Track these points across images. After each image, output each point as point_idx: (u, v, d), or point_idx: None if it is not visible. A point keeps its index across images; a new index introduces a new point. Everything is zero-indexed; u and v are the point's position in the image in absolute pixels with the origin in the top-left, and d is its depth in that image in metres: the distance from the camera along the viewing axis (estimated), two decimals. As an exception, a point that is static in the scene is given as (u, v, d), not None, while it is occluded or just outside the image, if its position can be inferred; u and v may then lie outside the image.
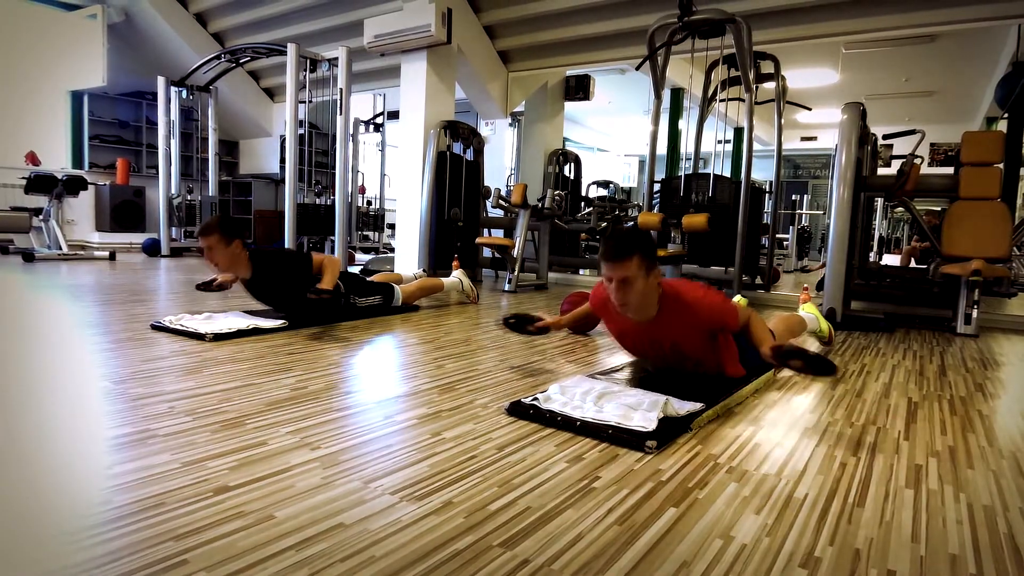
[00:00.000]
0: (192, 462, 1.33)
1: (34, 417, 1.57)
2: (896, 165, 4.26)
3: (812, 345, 3.10)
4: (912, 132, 4.37)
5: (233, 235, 2.91)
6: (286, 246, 5.91)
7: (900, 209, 9.50)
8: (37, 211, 6.13)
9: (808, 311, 2.97)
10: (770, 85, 5.39)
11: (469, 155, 5.91)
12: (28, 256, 5.74)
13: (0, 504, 1.11)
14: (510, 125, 8.16)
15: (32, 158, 7.24)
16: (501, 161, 7.95)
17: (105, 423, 1.55)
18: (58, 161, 7.76)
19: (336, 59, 5.79)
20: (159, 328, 2.76)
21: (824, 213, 11.24)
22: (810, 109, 6.72)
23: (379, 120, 9.39)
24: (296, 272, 3.01)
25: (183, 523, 1.07)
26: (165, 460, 1.33)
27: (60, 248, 6.01)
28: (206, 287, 3.27)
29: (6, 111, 7.42)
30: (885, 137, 4.84)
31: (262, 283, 3.04)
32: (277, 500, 1.17)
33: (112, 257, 6.29)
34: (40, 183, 6.04)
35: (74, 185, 6.28)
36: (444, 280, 4.02)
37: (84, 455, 1.35)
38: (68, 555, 0.96)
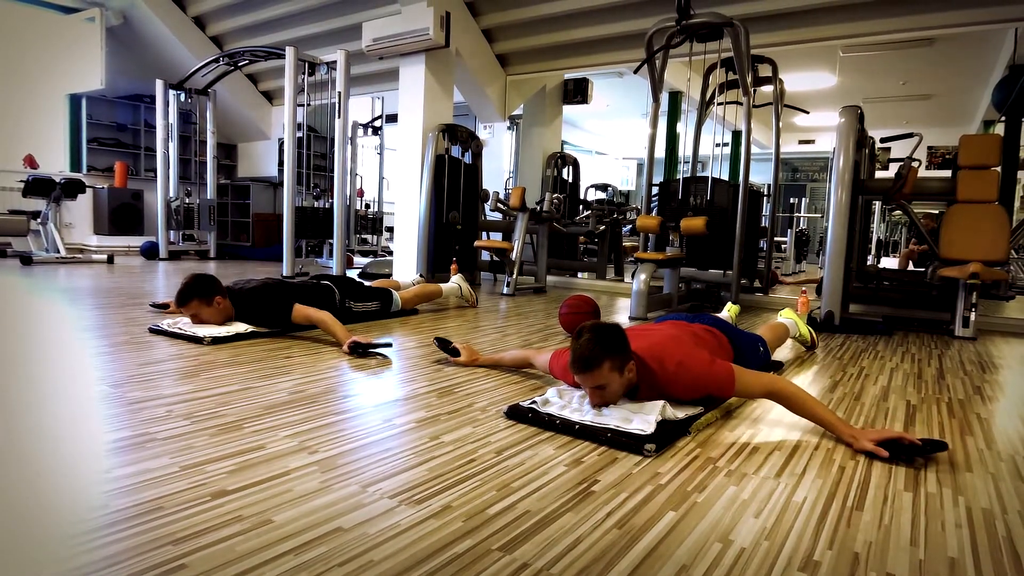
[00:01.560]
0: (190, 466, 1.33)
1: (32, 421, 1.57)
2: (894, 168, 4.27)
3: (793, 350, 3.10)
4: (910, 135, 4.38)
5: (211, 293, 2.79)
6: (281, 256, 5.89)
7: (898, 212, 9.52)
8: (35, 214, 6.12)
9: (787, 316, 2.98)
10: (768, 88, 5.40)
11: (467, 158, 5.91)
12: (26, 259, 5.73)
13: (1, 506, 1.11)
14: (508, 128, 8.17)
15: (30, 161, 7.24)
16: (499, 164, 7.95)
17: (103, 427, 1.55)
18: (56, 164, 7.76)
19: (334, 62, 5.80)
20: (157, 332, 2.76)
21: (822, 216, 11.25)
22: (808, 112, 6.73)
23: (377, 123, 9.40)
24: (274, 316, 2.87)
25: (181, 527, 1.07)
26: (163, 464, 1.33)
27: (58, 251, 6.01)
28: (162, 307, 3.28)
29: (5, 114, 7.42)
30: (883, 140, 4.85)
31: (246, 318, 2.95)
32: (275, 504, 1.17)
33: (110, 260, 6.29)
34: (38, 186, 6.03)
35: (72, 188, 6.28)
36: (443, 286, 4.02)
37: (82, 459, 1.35)
38: (67, 559, 0.96)
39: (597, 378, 1.68)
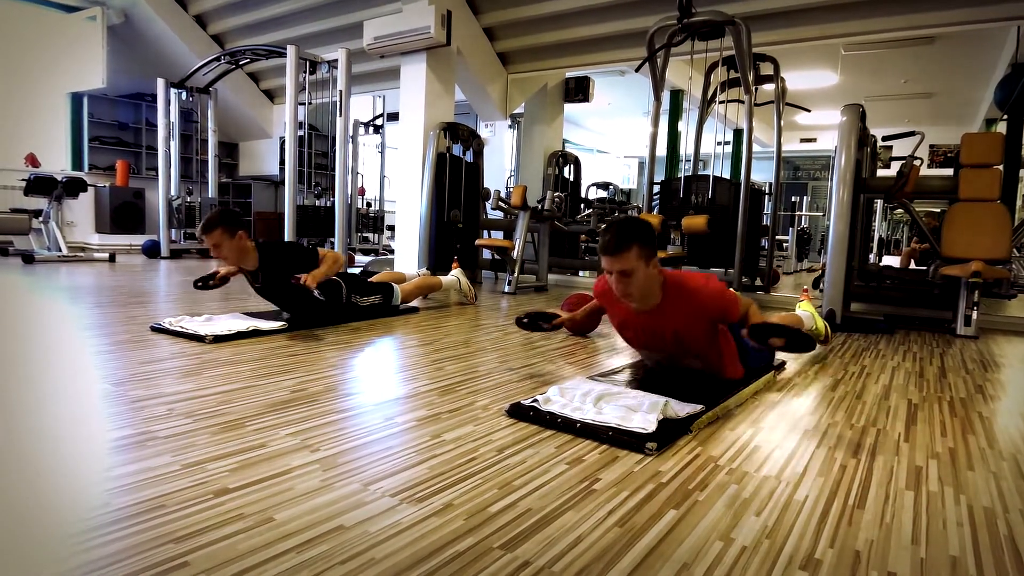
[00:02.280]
0: (192, 464, 1.33)
1: (34, 419, 1.57)
2: (896, 167, 4.26)
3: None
4: (912, 134, 4.37)
5: (236, 226, 2.87)
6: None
7: (900, 211, 9.50)
8: (37, 213, 6.13)
9: (805, 309, 2.97)
10: (770, 87, 5.40)
11: (469, 157, 5.91)
12: (28, 258, 5.74)
13: (1, 506, 1.11)
14: (510, 127, 8.17)
15: (32, 160, 7.25)
16: (501, 163, 7.95)
17: (105, 425, 1.55)
18: (58, 163, 7.77)
19: (336, 61, 5.80)
20: (159, 330, 2.76)
21: (824, 215, 11.24)
22: (809, 111, 6.73)
23: (379, 122, 9.40)
24: (302, 264, 2.97)
25: (184, 525, 1.07)
26: (165, 462, 1.33)
27: (60, 250, 6.01)
28: (206, 283, 3.22)
29: (6, 113, 7.42)
30: (884, 139, 4.85)
31: (268, 276, 3.01)
32: (277, 502, 1.17)
33: (112, 259, 6.29)
34: (40, 185, 6.04)
35: (74, 187, 6.28)
36: (443, 279, 4.03)
37: (84, 457, 1.35)
38: (69, 558, 0.96)
39: (625, 261, 1.77)
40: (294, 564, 0.97)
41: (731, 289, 2.04)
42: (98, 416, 1.62)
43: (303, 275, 2.84)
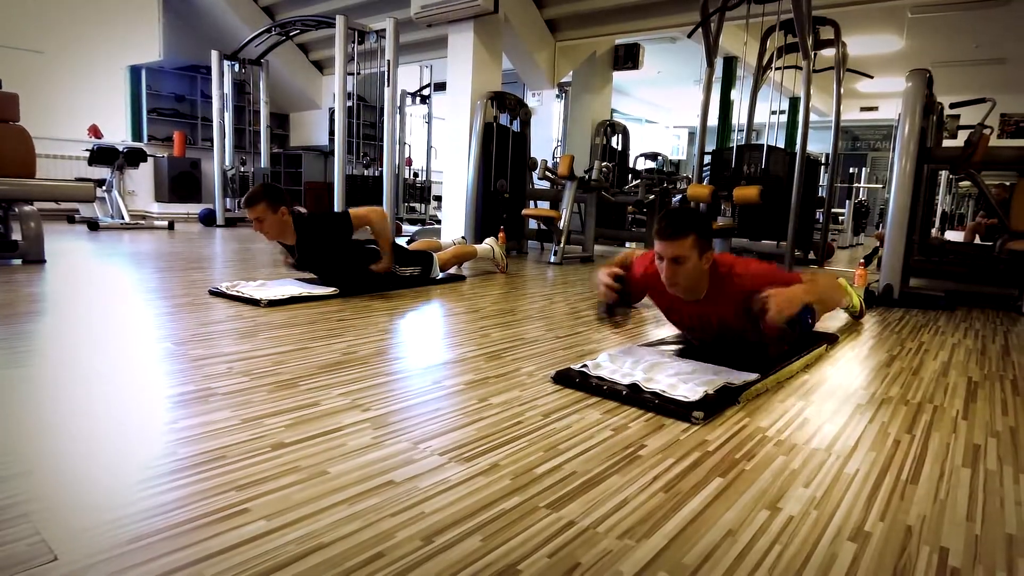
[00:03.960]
0: (250, 419, 1.38)
1: (104, 375, 1.66)
2: (963, 136, 4.06)
3: (841, 318, 3.02)
4: (981, 101, 4.15)
5: (279, 202, 2.94)
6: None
7: (965, 183, 9.08)
8: (100, 182, 6.36)
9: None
10: (829, 52, 5.18)
11: (516, 126, 5.87)
12: (93, 225, 5.99)
13: (75, 455, 1.19)
14: (557, 96, 8.06)
15: (95, 131, 7.50)
16: (548, 132, 7.87)
17: (168, 381, 1.62)
18: (118, 134, 8.03)
19: (384, 30, 5.80)
20: (216, 294, 2.86)
21: (883, 187, 10.81)
22: (872, 77, 6.44)
23: (426, 92, 9.39)
24: (338, 232, 3.06)
25: (243, 475, 1.12)
26: (225, 416, 1.39)
27: (122, 218, 6.25)
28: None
29: (69, 86, 7.68)
30: (952, 106, 4.61)
31: (306, 249, 3.09)
32: (330, 457, 1.21)
33: (171, 227, 6.51)
34: (103, 155, 6.26)
35: (134, 157, 6.50)
36: (477, 247, 4.09)
37: (150, 411, 1.42)
38: (138, 501, 1.02)
39: (679, 248, 1.74)
40: (347, 515, 1.00)
41: (781, 268, 1.98)
42: (162, 372, 1.70)
43: (378, 265, 3.18)
